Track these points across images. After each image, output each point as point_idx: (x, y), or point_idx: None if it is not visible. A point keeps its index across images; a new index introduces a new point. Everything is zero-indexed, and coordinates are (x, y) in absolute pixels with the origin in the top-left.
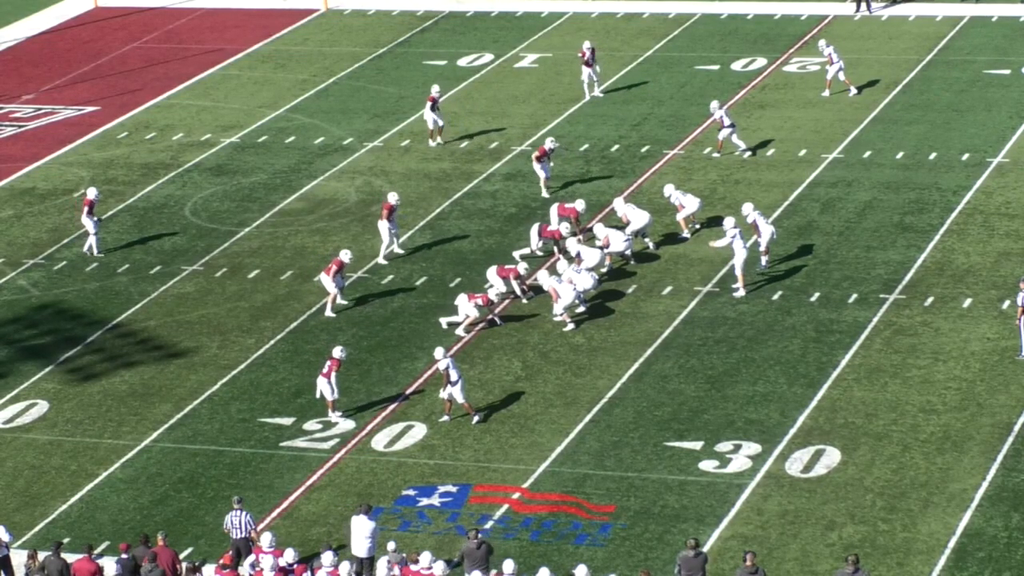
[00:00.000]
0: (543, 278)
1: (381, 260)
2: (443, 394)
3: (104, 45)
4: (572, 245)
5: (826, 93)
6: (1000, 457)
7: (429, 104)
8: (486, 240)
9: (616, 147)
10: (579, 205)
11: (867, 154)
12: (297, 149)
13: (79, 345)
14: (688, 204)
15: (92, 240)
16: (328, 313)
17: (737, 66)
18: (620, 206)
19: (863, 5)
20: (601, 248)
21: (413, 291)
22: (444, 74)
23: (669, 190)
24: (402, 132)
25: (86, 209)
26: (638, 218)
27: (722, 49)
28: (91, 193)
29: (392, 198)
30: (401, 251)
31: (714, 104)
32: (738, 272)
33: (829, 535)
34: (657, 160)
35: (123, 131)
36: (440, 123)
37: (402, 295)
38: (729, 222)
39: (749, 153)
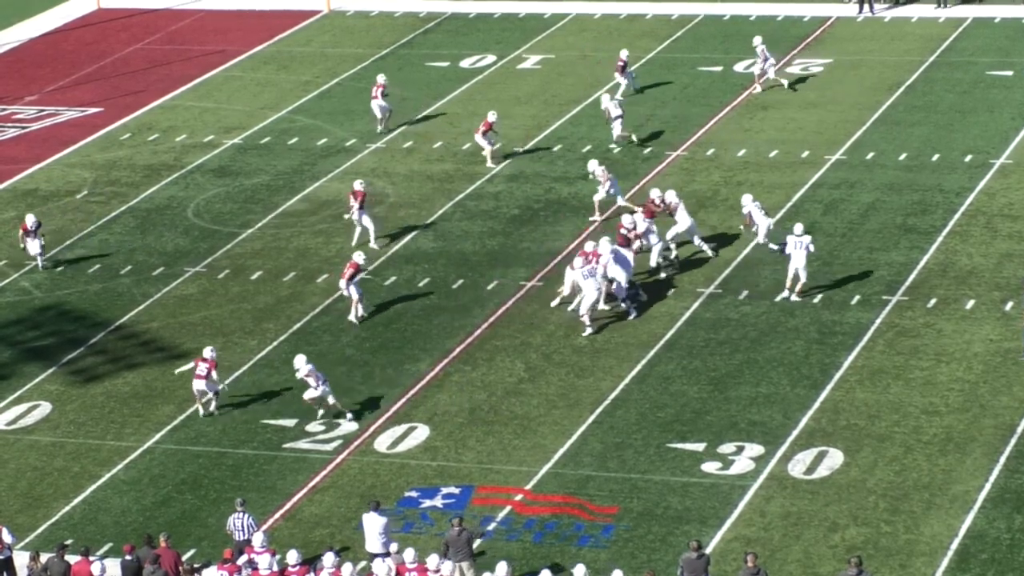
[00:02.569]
0: (571, 275)
1: (374, 245)
2: (308, 395)
3: (107, 47)
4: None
5: (757, 89)
6: (1003, 459)
7: (483, 129)
8: (489, 241)
9: (619, 149)
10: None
11: (870, 155)
12: (300, 151)
13: (82, 347)
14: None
15: (38, 260)
16: (350, 318)
17: (740, 67)
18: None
19: (866, 6)
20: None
21: (416, 292)
22: (447, 75)
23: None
24: (405, 134)
25: (21, 233)
26: (683, 221)
27: (725, 51)
28: (29, 220)
29: (359, 184)
30: (375, 245)
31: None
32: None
33: (832, 537)
34: (660, 162)
35: (126, 132)
36: (495, 146)
37: (405, 296)
38: (747, 198)
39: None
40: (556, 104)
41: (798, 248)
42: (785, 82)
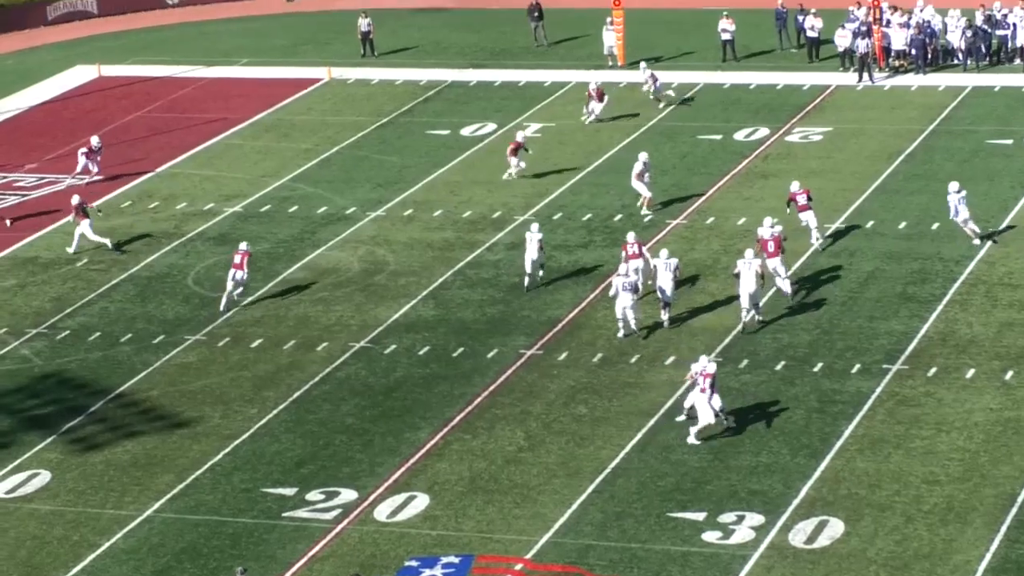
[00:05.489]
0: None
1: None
2: None
3: (107, 115)
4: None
5: (661, 105)
6: (1004, 528)
7: (512, 148)
8: (489, 310)
9: (619, 216)
10: None
11: (870, 224)
12: (300, 218)
13: (82, 415)
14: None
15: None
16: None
17: (740, 135)
18: None
19: (865, 75)
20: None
21: (416, 361)
22: (447, 143)
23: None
24: (405, 201)
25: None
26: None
27: (725, 119)
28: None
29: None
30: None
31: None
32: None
33: None
34: (660, 230)
35: (126, 200)
36: (522, 166)
37: (405, 364)
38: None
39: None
40: (556, 172)
41: (748, 269)
42: (672, 93)
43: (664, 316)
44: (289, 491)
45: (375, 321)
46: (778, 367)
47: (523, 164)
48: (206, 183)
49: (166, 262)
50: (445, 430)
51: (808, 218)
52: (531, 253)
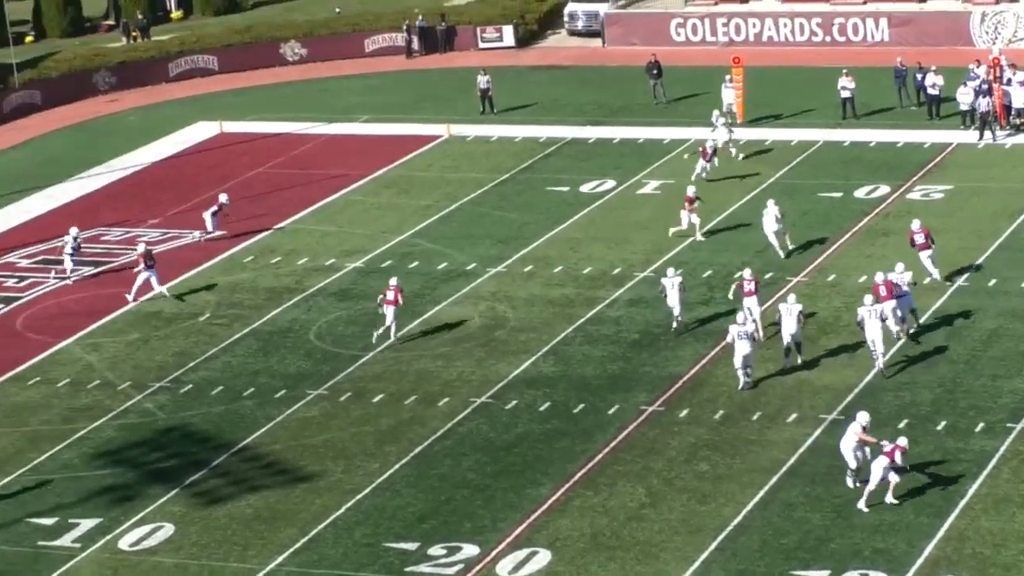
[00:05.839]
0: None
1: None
2: None
3: (229, 170)
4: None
5: (735, 153)
6: None
7: (687, 206)
8: (610, 366)
9: (739, 273)
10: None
11: (992, 282)
12: (420, 274)
13: (204, 468)
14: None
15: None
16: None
17: (860, 193)
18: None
19: (987, 133)
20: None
21: (537, 416)
22: (567, 200)
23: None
24: (524, 258)
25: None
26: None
27: (845, 176)
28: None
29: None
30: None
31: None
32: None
33: None
34: (780, 287)
35: (248, 255)
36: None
37: (526, 420)
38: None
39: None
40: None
41: (871, 316)
42: (734, 151)
43: (797, 359)
44: (411, 546)
45: (496, 376)
46: (901, 425)
47: (696, 219)
48: (327, 238)
49: (288, 317)
50: (566, 486)
51: (926, 257)
52: (672, 299)
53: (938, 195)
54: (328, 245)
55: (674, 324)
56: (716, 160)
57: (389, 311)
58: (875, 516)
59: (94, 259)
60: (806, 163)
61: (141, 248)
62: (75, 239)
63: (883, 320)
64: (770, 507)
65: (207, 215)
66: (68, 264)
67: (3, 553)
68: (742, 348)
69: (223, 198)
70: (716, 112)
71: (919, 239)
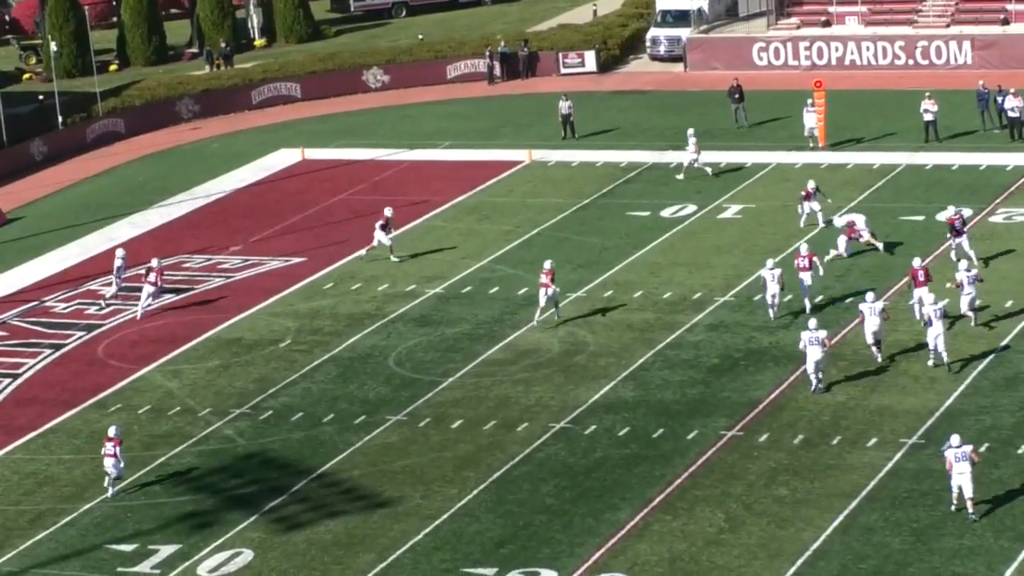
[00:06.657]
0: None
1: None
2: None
3: (311, 197)
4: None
5: (680, 176)
6: None
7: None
8: (689, 391)
9: (820, 298)
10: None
11: None
12: (500, 300)
13: (284, 494)
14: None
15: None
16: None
17: (943, 217)
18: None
19: None
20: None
21: (616, 441)
22: (647, 225)
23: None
24: (605, 282)
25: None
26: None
27: (927, 199)
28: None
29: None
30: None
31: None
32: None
33: None
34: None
35: (329, 282)
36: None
37: (605, 445)
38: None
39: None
40: (757, 253)
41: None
42: (709, 170)
43: (877, 356)
44: (489, 571)
45: (575, 402)
46: (982, 448)
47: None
48: (407, 264)
49: (368, 343)
50: (645, 511)
51: (962, 242)
52: (870, 325)
53: (1021, 218)
54: (408, 271)
55: (770, 312)
56: (813, 201)
57: (542, 294)
58: (954, 540)
59: (175, 286)
60: (887, 186)
61: (155, 263)
62: (122, 259)
63: (920, 304)
64: (849, 531)
65: (377, 228)
66: (113, 289)
67: None
68: (813, 354)
69: (388, 211)
70: (691, 130)
71: (957, 225)
